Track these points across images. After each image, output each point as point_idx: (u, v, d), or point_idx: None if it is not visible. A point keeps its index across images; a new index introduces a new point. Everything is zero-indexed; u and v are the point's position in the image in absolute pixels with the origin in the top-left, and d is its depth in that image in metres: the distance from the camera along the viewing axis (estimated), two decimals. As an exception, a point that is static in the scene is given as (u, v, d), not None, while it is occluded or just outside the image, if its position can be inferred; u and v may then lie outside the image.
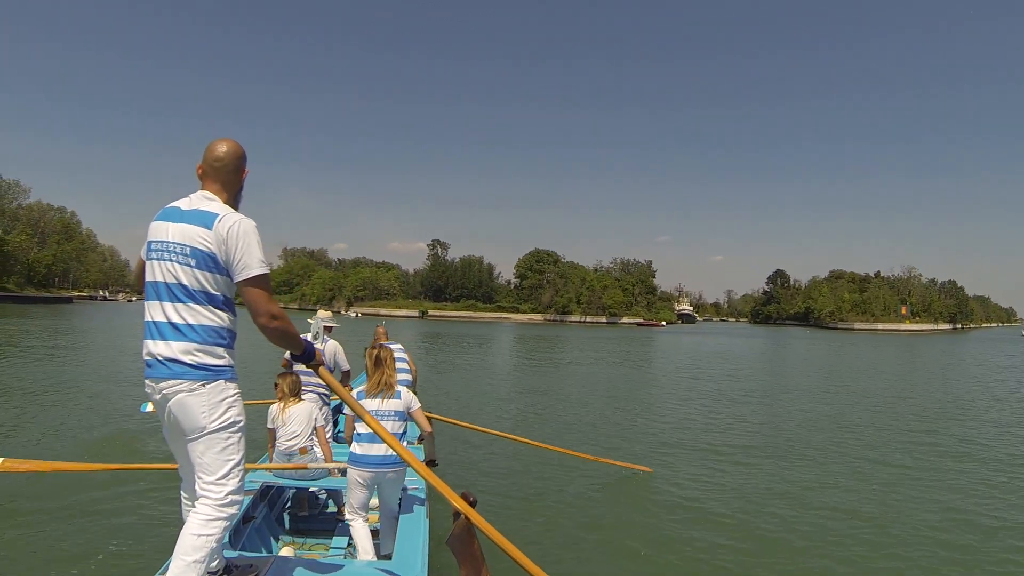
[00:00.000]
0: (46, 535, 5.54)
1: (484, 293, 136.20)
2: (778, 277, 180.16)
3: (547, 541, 5.85)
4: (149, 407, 6.11)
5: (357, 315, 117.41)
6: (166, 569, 2.79)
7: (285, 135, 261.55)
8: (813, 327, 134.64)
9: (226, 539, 3.65)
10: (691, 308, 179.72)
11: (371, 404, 4.33)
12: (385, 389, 4.41)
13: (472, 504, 2.92)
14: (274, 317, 2.72)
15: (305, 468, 4.96)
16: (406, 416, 4.47)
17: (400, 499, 4.55)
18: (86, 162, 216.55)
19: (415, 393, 4.88)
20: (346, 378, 6.77)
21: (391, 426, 4.29)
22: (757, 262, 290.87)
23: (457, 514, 2.89)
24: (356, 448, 4.31)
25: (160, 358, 2.68)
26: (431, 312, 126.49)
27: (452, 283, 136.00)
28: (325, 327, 6.68)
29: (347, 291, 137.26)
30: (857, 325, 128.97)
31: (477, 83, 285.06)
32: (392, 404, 4.39)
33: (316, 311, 7.06)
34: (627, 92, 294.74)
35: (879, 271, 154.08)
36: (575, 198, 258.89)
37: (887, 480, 8.41)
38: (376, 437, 3.98)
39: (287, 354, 3.01)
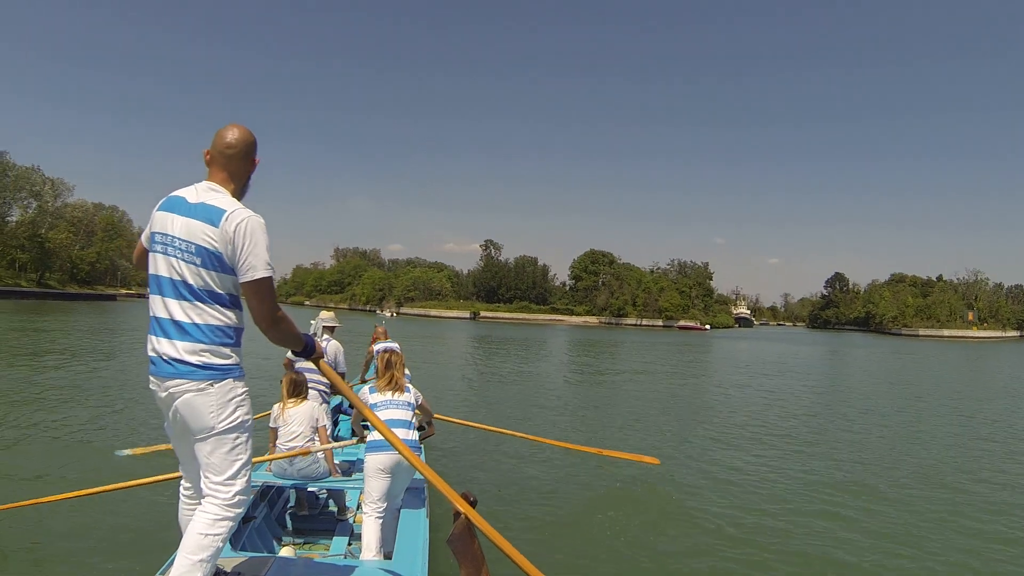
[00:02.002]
0: (45, 535, 5.53)
1: (538, 294, 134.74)
2: (837, 281, 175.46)
3: (548, 541, 5.79)
4: (126, 452, 5.96)
5: (392, 314, 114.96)
6: (168, 567, 2.77)
7: (350, 147, 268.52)
8: (874, 332, 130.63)
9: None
10: (748, 312, 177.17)
11: (384, 396, 4.55)
12: (395, 389, 4.61)
13: (473, 504, 2.91)
14: (276, 321, 2.69)
15: (307, 452, 5.07)
16: (415, 406, 4.68)
17: (401, 498, 4.64)
18: (147, 172, 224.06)
19: None
20: (343, 378, 6.83)
21: (403, 413, 4.52)
22: (814, 265, 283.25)
23: (457, 514, 2.87)
24: (374, 435, 4.37)
25: (165, 357, 2.62)
26: (483, 313, 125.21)
27: (505, 284, 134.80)
28: (326, 327, 6.79)
29: (397, 291, 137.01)
30: (922, 331, 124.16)
31: (535, 96, 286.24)
32: (406, 396, 4.62)
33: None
34: (680, 103, 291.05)
35: (941, 275, 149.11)
36: (630, 203, 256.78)
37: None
38: (394, 422, 4.32)
39: (289, 353, 2.89)
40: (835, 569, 5.63)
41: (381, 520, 4.32)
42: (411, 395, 4.66)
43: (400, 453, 3.26)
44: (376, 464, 4.29)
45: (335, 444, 5.39)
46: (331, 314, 7.15)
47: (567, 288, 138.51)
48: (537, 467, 8.34)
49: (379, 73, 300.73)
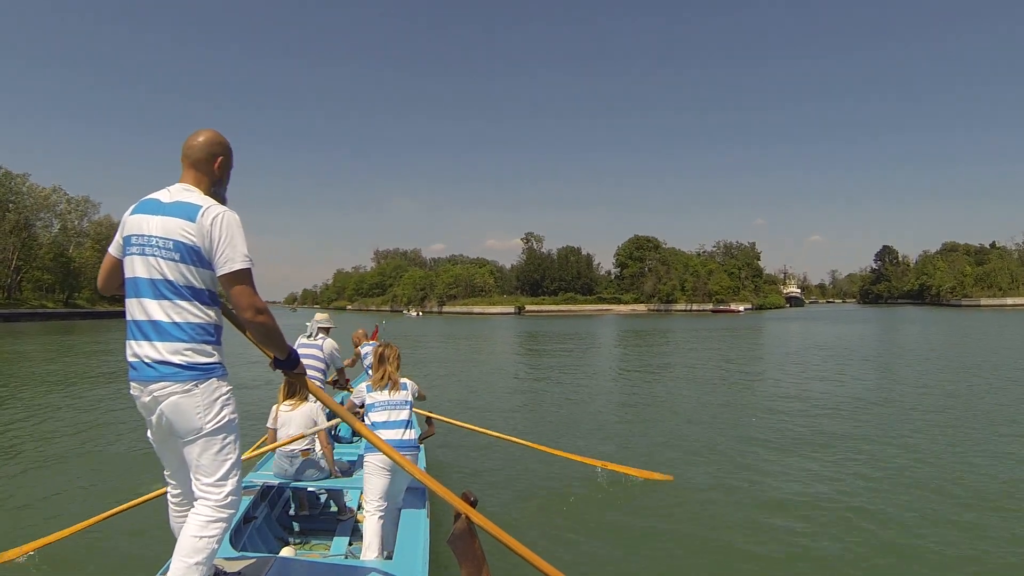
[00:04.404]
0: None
1: (584, 284, 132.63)
2: (886, 254, 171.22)
3: (552, 541, 5.52)
4: None
5: (418, 314, 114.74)
6: (165, 571, 2.74)
7: (395, 150, 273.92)
8: (930, 305, 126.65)
9: (227, 539, 3.62)
10: (799, 290, 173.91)
11: (381, 395, 4.56)
12: (391, 385, 4.58)
13: (473, 504, 2.89)
14: (259, 311, 2.62)
15: (302, 436, 5.05)
16: (412, 403, 4.66)
17: (402, 497, 4.65)
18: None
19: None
20: (341, 375, 7.17)
21: (400, 413, 4.54)
22: (857, 240, 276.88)
23: (458, 514, 2.85)
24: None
25: (147, 360, 2.58)
26: (528, 307, 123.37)
27: (549, 276, 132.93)
28: (322, 328, 7.00)
29: (439, 289, 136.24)
30: (983, 301, 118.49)
31: (571, 89, 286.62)
32: (402, 395, 4.59)
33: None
34: (710, 87, 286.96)
35: (995, 241, 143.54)
36: (666, 190, 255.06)
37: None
38: (389, 423, 4.45)
39: (269, 362, 2.88)
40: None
41: (383, 519, 4.36)
42: (407, 392, 4.66)
43: (397, 463, 3.35)
44: (376, 461, 4.35)
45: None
46: (326, 315, 7.29)
47: (613, 277, 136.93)
48: (539, 465, 7.94)
49: (418, 75, 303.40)
